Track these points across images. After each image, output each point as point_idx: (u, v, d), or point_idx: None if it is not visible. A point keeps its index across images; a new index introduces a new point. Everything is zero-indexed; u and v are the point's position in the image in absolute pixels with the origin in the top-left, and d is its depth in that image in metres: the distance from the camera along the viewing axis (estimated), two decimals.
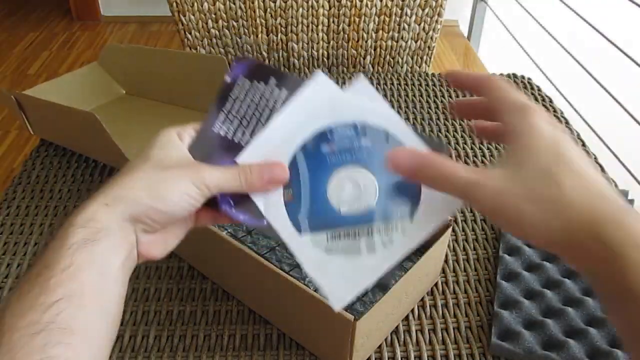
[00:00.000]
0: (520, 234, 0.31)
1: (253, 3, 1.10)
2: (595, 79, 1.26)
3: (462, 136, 0.87)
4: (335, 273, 0.37)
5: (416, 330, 0.55)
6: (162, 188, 0.35)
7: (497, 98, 0.35)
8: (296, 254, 0.38)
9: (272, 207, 0.39)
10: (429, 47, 1.16)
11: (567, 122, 0.91)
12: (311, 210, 0.38)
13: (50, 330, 0.30)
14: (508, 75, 1.05)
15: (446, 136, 0.86)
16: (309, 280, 0.51)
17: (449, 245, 0.66)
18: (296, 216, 0.38)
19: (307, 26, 1.13)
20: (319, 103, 0.40)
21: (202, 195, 0.36)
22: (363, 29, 1.13)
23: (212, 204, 0.38)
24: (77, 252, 0.32)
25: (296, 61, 1.18)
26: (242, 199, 0.39)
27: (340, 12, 1.11)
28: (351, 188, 0.38)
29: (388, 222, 0.37)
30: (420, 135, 0.39)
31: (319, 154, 0.39)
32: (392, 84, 1.01)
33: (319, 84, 0.40)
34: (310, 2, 1.10)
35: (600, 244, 0.28)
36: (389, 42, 1.15)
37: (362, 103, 0.39)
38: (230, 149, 0.40)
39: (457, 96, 0.98)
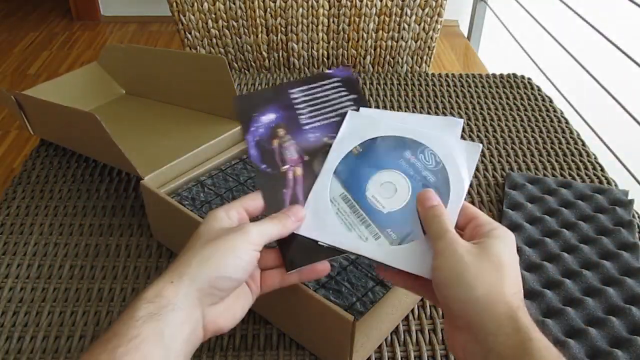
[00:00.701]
0: (448, 289, 0.38)
1: (253, 3, 1.10)
2: (595, 79, 1.26)
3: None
4: (316, 213, 0.45)
5: (416, 330, 0.55)
6: (216, 256, 0.39)
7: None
8: (317, 180, 0.46)
9: (340, 145, 0.47)
10: (429, 47, 1.16)
11: (567, 122, 0.91)
12: (354, 172, 0.46)
13: None
14: (508, 76, 1.05)
15: None
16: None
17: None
18: (345, 164, 0.46)
19: (307, 26, 1.13)
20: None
21: (254, 250, 0.40)
22: (363, 29, 1.13)
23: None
24: (145, 325, 0.35)
25: (296, 61, 1.18)
26: (264, 143, 0.47)
27: (340, 12, 1.11)
28: (391, 187, 0.45)
29: (380, 229, 0.43)
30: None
31: (400, 152, 0.46)
32: (392, 84, 1.01)
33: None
34: (310, 2, 1.10)
35: (513, 323, 0.35)
36: (389, 42, 1.15)
37: (459, 157, 0.46)
38: (288, 108, 0.49)
39: (457, 96, 0.98)
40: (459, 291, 0.37)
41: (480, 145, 0.46)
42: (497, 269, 0.37)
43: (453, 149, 0.46)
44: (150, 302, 0.36)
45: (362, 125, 0.48)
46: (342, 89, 0.51)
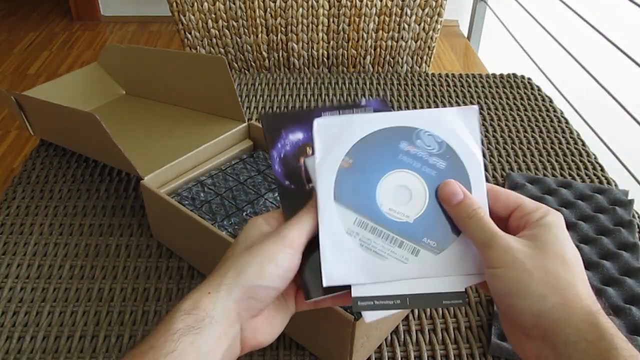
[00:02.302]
0: (514, 300, 0.34)
1: (253, 3, 1.10)
2: (595, 79, 1.26)
3: None
4: (339, 253, 0.38)
5: (416, 330, 0.55)
6: (253, 265, 0.36)
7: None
8: (320, 217, 0.38)
9: (325, 165, 0.39)
10: (429, 47, 1.16)
11: (567, 122, 0.91)
12: (356, 188, 0.39)
13: None
14: (508, 76, 1.05)
15: None
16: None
17: None
18: (341, 184, 0.39)
19: (307, 26, 1.13)
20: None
21: (293, 254, 0.37)
22: (363, 29, 1.13)
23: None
24: (182, 338, 0.34)
25: (296, 61, 1.18)
26: (289, 159, 0.42)
27: (340, 12, 1.11)
28: (404, 190, 0.39)
29: (417, 242, 0.38)
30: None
31: (395, 146, 0.40)
32: (392, 84, 1.01)
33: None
34: (310, 2, 1.10)
35: (595, 329, 0.32)
36: (389, 42, 1.15)
37: (460, 129, 0.40)
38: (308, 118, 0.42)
39: (457, 96, 0.98)
40: (527, 303, 0.34)
41: (476, 106, 0.40)
42: (565, 269, 0.34)
43: (449, 121, 0.40)
44: (188, 314, 0.35)
45: (334, 132, 0.40)
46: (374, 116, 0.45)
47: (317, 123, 0.40)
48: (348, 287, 0.38)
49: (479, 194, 0.38)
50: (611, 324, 0.33)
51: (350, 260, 0.38)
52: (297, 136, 0.44)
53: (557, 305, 0.33)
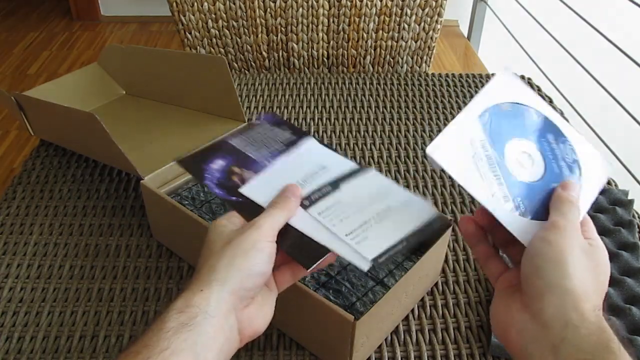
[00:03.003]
0: (545, 263, 0.36)
1: (253, 3, 1.10)
2: (595, 79, 1.26)
3: None
4: (454, 146, 0.41)
5: (416, 330, 0.55)
6: (239, 255, 0.38)
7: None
8: (455, 120, 0.42)
9: (487, 97, 0.44)
10: (429, 47, 1.16)
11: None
12: (498, 125, 0.43)
13: None
14: None
15: None
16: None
17: (449, 245, 0.66)
18: (491, 113, 0.43)
19: (307, 26, 1.13)
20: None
21: (270, 242, 0.40)
22: (363, 29, 1.13)
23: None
24: (175, 336, 0.34)
25: (296, 61, 1.18)
26: (225, 182, 0.48)
27: (340, 12, 1.11)
28: (528, 158, 0.43)
29: (514, 195, 0.41)
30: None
31: (544, 132, 0.44)
32: (392, 84, 1.01)
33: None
34: (310, 2, 1.10)
35: (599, 321, 0.34)
36: (389, 42, 1.15)
37: (596, 169, 0.45)
38: (234, 152, 0.51)
39: (457, 96, 0.98)
40: (553, 273, 0.35)
41: (611, 168, 0.45)
42: (597, 274, 0.37)
43: (590, 157, 0.45)
44: (181, 312, 0.35)
45: (513, 86, 0.45)
46: (274, 127, 0.55)
47: (501, 73, 0.45)
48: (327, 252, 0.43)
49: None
50: (610, 328, 0.34)
51: (458, 157, 0.41)
52: (219, 164, 0.50)
53: (574, 290, 0.34)
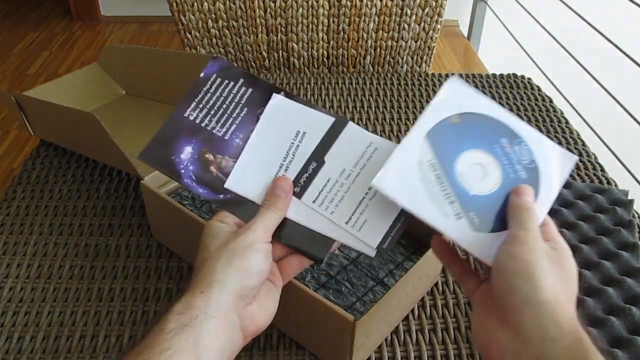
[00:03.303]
0: (515, 279, 0.36)
1: (253, 3, 1.10)
2: (595, 79, 1.26)
3: None
4: (400, 173, 0.41)
5: (416, 330, 0.55)
6: (237, 255, 0.39)
7: None
8: (403, 142, 0.42)
9: (435, 111, 0.44)
10: (429, 47, 1.16)
11: (567, 122, 0.91)
12: (448, 140, 0.43)
13: None
14: (508, 76, 1.05)
15: None
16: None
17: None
18: (439, 129, 0.43)
19: (307, 26, 1.13)
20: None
21: (265, 242, 0.41)
22: (363, 29, 1.13)
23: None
24: (176, 337, 0.34)
25: (296, 61, 1.18)
26: (203, 175, 0.45)
27: (340, 12, 1.11)
28: (481, 169, 0.42)
29: (464, 210, 0.41)
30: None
31: (497, 137, 0.43)
32: (392, 84, 1.01)
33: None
34: (310, 2, 1.10)
35: (576, 332, 0.34)
36: (389, 42, 1.15)
37: (553, 164, 0.44)
38: (197, 131, 0.46)
39: None
40: (525, 286, 0.35)
41: (576, 157, 0.44)
42: (566, 280, 0.36)
43: (549, 153, 0.44)
44: (181, 313, 0.35)
45: (462, 96, 0.44)
46: (227, 82, 0.48)
47: (450, 80, 0.45)
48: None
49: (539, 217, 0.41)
50: (588, 337, 0.34)
51: (405, 184, 0.41)
52: (188, 151, 0.45)
53: (547, 301, 0.34)
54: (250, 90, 0.48)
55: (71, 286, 0.60)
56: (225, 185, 0.45)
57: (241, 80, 0.48)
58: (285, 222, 0.43)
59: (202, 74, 0.48)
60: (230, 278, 0.37)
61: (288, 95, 0.48)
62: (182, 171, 0.45)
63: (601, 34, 1.23)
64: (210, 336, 0.35)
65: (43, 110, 0.74)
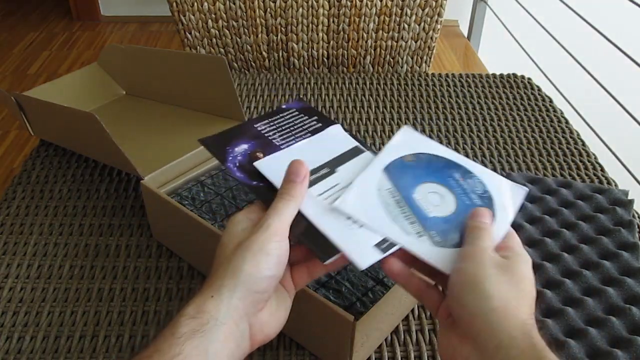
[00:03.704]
0: (463, 293, 0.37)
1: (253, 3, 1.10)
2: (595, 79, 1.26)
3: (462, 136, 0.87)
4: (361, 196, 0.44)
5: (416, 330, 0.55)
6: (247, 261, 0.37)
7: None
8: (362, 174, 0.46)
9: (394, 151, 0.48)
10: (429, 47, 1.16)
11: (567, 122, 0.91)
12: (404, 174, 0.46)
13: None
14: (508, 76, 1.05)
15: (446, 136, 0.87)
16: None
17: None
18: (396, 166, 0.47)
19: (307, 26, 1.13)
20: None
21: (280, 241, 0.39)
22: (363, 29, 1.13)
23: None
24: (187, 342, 0.34)
25: (296, 61, 1.18)
26: (246, 165, 0.47)
27: (340, 12, 1.11)
28: (437, 197, 0.45)
29: (428, 230, 0.43)
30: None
31: (451, 173, 0.47)
32: (392, 84, 1.01)
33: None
34: (310, 2, 1.10)
35: (528, 339, 0.34)
36: (389, 42, 1.15)
37: (506, 195, 0.46)
38: (258, 137, 0.50)
39: (457, 96, 0.98)
40: (472, 298, 0.36)
41: (527, 189, 0.47)
42: (517, 285, 0.37)
43: (501, 185, 0.46)
44: (192, 318, 0.35)
45: (414, 140, 0.49)
46: (302, 115, 0.54)
47: (403, 130, 0.50)
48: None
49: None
50: (542, 341, 0.34)
51: (366, 206, 0.43)
52: (243, 147, 0.49)
53: (497, 309, 0.35)
54: (319, 125, 0.53)
55: (71, 286, 0.60)
56: (254, 163, 0.47)
57: (315, 117, 0.54)
58: (298, 217, 0.43)
59: (284, 105, 0.55)
60: (240, 284, 0.37)
61: (348, 132, 0.53)
62: (230, 157, 0.48)
63: (601, 34, 1.23)
64: (220, 342, 0.35)
65: (43, 110, 0.74)
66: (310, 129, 0.52)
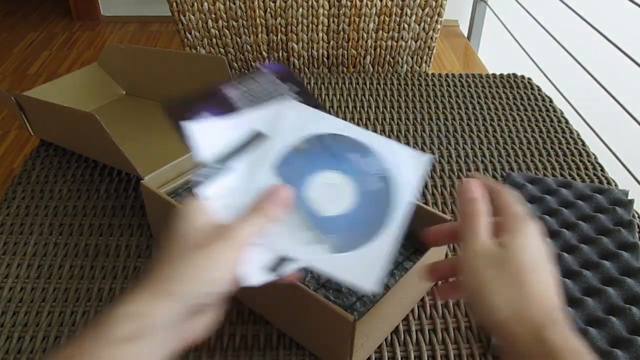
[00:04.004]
0: (476, 309, 0.36)
1: (253, 3, 1.10)
2: (595, 79, 1.26)
3: (462, 136, 0.87)
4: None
5: (416, 330, 0.55)
6: (202, 273, 0.35)
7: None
8: (256, 178, 0.41)
9: (279, 141, 0.42)
10: (429, 47, 1.16)
11: (567, 122, 0.91)
12: (295, 167, 0.42)
13: None
14: (508, 76, 1.05)
15: (446, 136, 0.87)
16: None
17: (449, 245, 0.66)
18: (287, 159, 0.42)
19: (307, 26, 1.13)
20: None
21: (241, 252, 0.36)
22: (363, 29, 1.13)
23: None
24: (123, 345, 0.32)
25: (296, 61, 1.18)
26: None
27: (340, 12, 1.11)
28: (333, 189, 0.41)
29: (327, 234, 0.40)
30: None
31: (346, 153, 0.43)
32: (392, 84, 1.01)
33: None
34: (310, 2, 1.10)
35: (540, 345, 0.33)
36: (389, 42, 1.15)
37: (407, 169, 0.43)
38: (223, 106, 0.45)
39: (457, 96, 0.98)
40: (483, 313, 0.35)
41: (430, 156, 0.43)
42: (520, 281, 0.35)
43: (400, 157, 0.43)
44: (129, 319, 0.33)
45: (302, 118, 0.43)
46: (280, 81, 0.48)
47: (286, 106, 0.43)
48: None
49: (397, 222, 0.40)
50: (559, 336, 0.33)
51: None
52: (204, 116, 0.44)
53: (509, 318, 0.34)
54: (297, 95, 0.48)
55: (71, 286, 0.60)
56: (185, 123, 0.42)
57: (294, 87, 0.48)
58: None
59: (264, 67, 0.49)
60: (188, 293, 0.34)
61: (309, 103, 0.46)
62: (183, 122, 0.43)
63: (601, 33, 1.23)
64: (156, 350, 0.33)
65: (43, 110, 0.74)
66: (285, 93, 0.47)
